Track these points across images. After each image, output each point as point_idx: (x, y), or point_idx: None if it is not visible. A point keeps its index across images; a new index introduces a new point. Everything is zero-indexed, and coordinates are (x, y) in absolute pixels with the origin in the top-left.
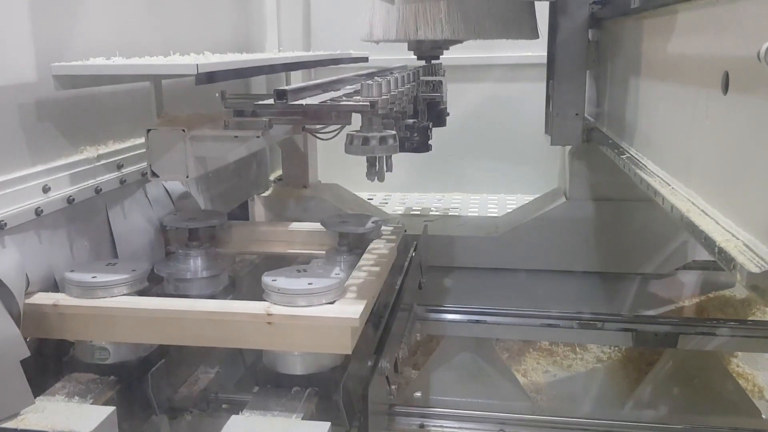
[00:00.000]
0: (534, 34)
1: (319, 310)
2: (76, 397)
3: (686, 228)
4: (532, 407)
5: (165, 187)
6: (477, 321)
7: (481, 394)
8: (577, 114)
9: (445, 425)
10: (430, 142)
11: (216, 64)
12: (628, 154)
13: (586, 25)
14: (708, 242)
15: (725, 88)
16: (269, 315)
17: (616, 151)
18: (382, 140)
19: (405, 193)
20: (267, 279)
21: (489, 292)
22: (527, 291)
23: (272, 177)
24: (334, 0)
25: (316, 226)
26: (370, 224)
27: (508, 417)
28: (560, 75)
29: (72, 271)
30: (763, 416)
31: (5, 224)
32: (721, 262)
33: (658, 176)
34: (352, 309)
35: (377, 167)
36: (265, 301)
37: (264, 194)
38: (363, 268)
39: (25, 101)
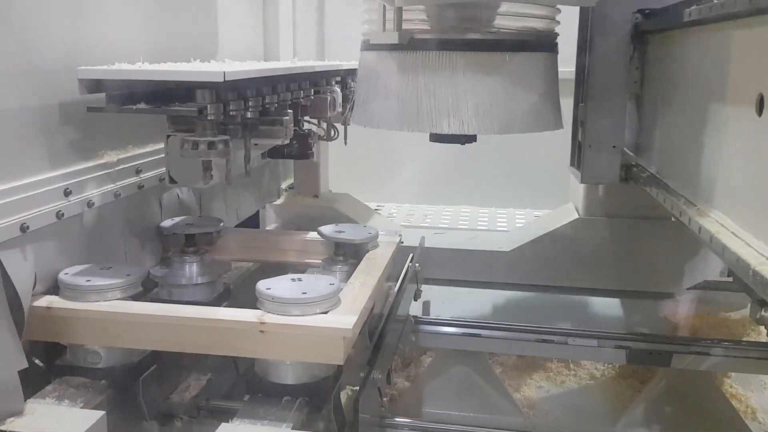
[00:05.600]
0: (558, 125)
1: (312, 319)
2: (66, 401)
3: (716, 250)
4: (524, 422)
5: (177, 193)
6: (472, 335)
7: (473, 408)
8: (614, 147)
9: None
10: (310, 151)
11: (242, 72)
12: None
13: (629, 39)
14: (741, 265)
15: None
16: (262, 323)
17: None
18: (211, 145)
19: (414, 204)
20: (261, 287)
21: (496, 307)
22: (535, 307)
23: (284, 185)
24: (347, 10)
25: (314, 235)
26: (366, 234)
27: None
28: (595, 99)
29: (66, 273)
30: None
31: (28, 227)
32: (755, 285)
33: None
34: (345, 320)
35: (211, 170)
36: (258, 309)
37: (276, 203)
38: (358, 278)
39: (49, 104)
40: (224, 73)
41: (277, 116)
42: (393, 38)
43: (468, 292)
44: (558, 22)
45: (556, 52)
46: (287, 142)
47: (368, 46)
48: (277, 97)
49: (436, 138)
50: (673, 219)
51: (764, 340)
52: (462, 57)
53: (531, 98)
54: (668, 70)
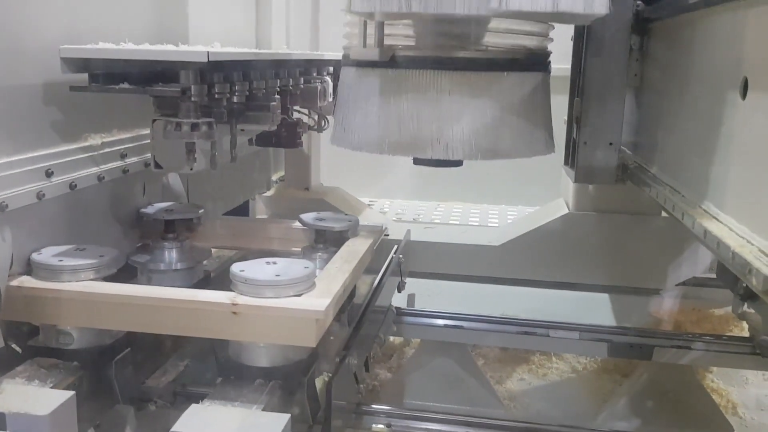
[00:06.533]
0: (549, 149)
1: (285, 302)
2: (36, 381)
3: (698, 234)
4: (505, 415)
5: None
6: (454, 326)
7: (455, 400)
8: (611, 144)
9: (411, 426)
10: (299, 140)
11: (226, 54)
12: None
13: (629, 28)
14: (721, 248)
15: None
16: (235, 305)
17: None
18: (195, 126)
19: (407, 200)
20: (235, 269)
21: (483, 302)
22: (523, 302)
23: (275, 177)
24: (342, 1)
25: (297, 223)
26: (346, 223)
27: (477, 421)
28: (591, 93)
29: (39, 253)
30: None
31: (6, 206)
32: (735, 268)
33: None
34: (318, 302)
35: (195, 153)
36: (231, 291)
37: (266, 194)
38: (335, 263)
39: (32, 83)
40: (208, 53)
41: (264, 102)
42: (374, 54)
43: (456, 287)
44: (551, 39)
45: (549, 71)
46: (274, 128)
47: (348, 61)
48: (265, 83)
49: (420, 162)
50: (663, 215)
51: (746, 336)
52: (448, 77)
53: (521, 122)
54: (673, 60)
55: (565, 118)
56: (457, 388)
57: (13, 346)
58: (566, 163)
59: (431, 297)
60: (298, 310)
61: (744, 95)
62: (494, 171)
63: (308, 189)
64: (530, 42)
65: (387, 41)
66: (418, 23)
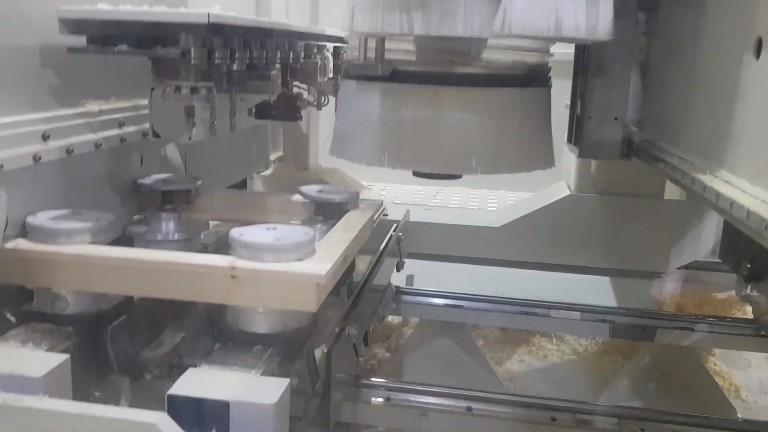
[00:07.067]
0: (549, 164)
1: (285, 266)
2: (30, 344)
3: (709, 198)
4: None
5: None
6: (454, 305)
7: (453, 381)
8: (616, 119)
9: (411, 399)
10: (299, 114)
11: (227, 18)
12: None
13: (635, 3)
14: (735, 209)
15: None
16: (233, 268)
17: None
18: (194, 90)
19: (404, 185)
20: (234, 233)
21: (482, 284)
22: (522, 285)
23: (273, 157)
24: None
25: (294, 196)
26: (346, 195)
27: (477, 395)
28: (596, 68)
29: (34, 216)
30: (739, 415)
31: (1, 166)
32: (750, 226)
33: None
34: (319, 266)
35: (194, 117)
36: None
37: (264, 173)
38: (335, 232)
39: (29, 45)
40: (209, 14)
41: (265, 71)
42: (374, 69)
43: (455, 268)
44: (552, 55)
45: (549, 87)
46: (274, 98)
47: (348, 75)
48: (265, 53)
49: (419, 174)
50: (666, 197)
51: (750, 318)
52: (448, 92)
53: (521, 137)
54: (683, 29)
55: (566, 102)
56: (457, 368)
57: (8, 316)
58: (569, 141)
59: (430, 278)
60: (298, 274)
61: (758, 55)
62: None
63: (306, 169)
64: (530, 58)
65: (387, 56)
66: (419, 39)
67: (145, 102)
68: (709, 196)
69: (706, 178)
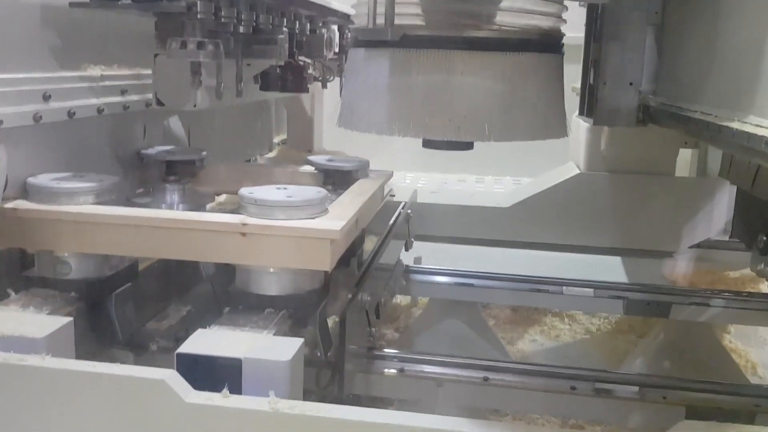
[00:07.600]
0: (562, 132)
1: (297, 223)
2: (32, 308)
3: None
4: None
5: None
6: (464, 284)
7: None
8: (632, 84)
9: (426, 370)
10: (305, 84)
11: None
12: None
13: None
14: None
15: None
16: (244, 225)
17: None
18: (201, 45)
19: (409, 172)
20: (244, 192)
21: (492, 265)
22: (533, 265)
23: (277, 140)
24: None
25: (302, 167)
26: (356, 163)
27: (494, 365)
28: (610, 33)
29: (35, 177)
30: None
31: (1, 122)
32: None
33: None
34: (332, 223)
35: (201, 75)
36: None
37: (267, 155)
38: (347, 196)
39: (29, 3)
40: None
41: (272, 35)
42: (383, 34)
43: (464, 249)
44: (565, 21)
45: (563, 53)
46: (281, 63)
47: (357, 42)
48: (272, 20)
49: (429, 144)
50: (677, 174)
51: (766, 293)
52: (459, 56)
53: (534, 103)
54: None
55: (572, 86)
56: (467, 348)
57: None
58: (581, 112)
59: (438, 260)
60: (312, 230)
61: None
62: (500, 143)
63: (311, 151)
64: (544, 22)
65: (397, 21)
66: (429, 2)
67: (148, 72)
68: (740, 139)
69: (735, 125)
